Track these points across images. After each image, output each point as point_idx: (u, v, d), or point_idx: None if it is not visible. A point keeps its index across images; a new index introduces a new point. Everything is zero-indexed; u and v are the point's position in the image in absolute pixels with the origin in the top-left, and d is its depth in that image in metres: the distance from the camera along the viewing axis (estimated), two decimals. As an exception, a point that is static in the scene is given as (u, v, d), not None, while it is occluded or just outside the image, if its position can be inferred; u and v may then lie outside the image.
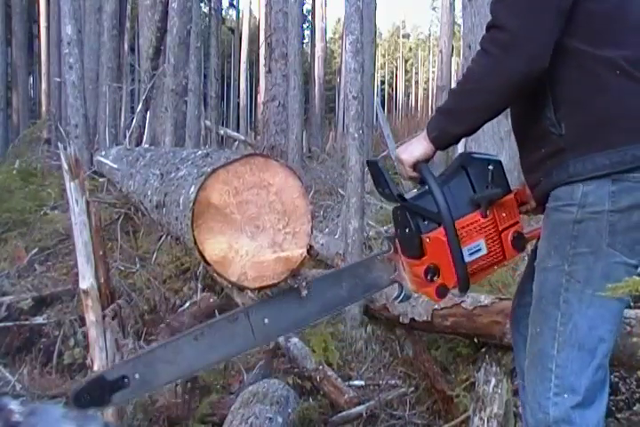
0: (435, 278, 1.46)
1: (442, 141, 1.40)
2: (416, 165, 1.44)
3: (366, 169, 3.08)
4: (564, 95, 1.30)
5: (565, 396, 1.31)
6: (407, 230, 1.48)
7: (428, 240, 1.44)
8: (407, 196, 1.49)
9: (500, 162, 1.50)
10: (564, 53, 1.27)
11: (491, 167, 1.48)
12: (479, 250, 1.46)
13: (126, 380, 1.38)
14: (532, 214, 1.62)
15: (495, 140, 5.59)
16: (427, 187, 1.46)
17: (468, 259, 1.44)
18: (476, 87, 1.32)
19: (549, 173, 1.35)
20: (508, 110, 1.49)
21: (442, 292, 1.48)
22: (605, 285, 1.30)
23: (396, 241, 1.55)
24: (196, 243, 1.35)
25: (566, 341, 1.32)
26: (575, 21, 1.27)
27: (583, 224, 1.29)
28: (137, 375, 1.38)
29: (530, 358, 1.40)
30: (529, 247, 1.60)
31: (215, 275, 1.40)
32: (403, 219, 1.49)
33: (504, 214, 1.49)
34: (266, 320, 1.48)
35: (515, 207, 1.52)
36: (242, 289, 1.43)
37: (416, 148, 1.44)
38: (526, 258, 1.94)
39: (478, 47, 1.33)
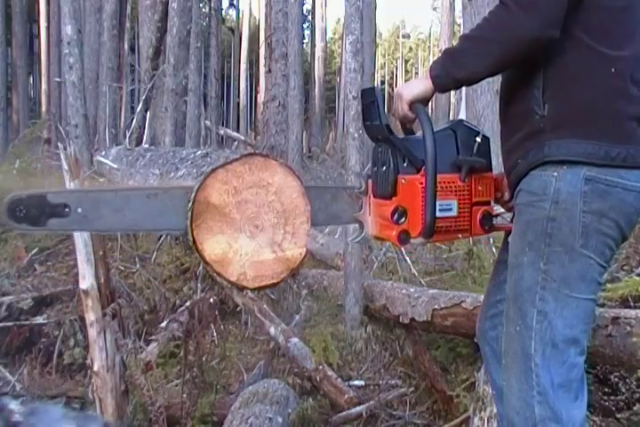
0: (400, 221, 1.44)
1: (441, 82, 1.39)
2: (413, 104, 1.42)
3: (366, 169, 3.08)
4: (555, 78, 1.32)
5: (546, 395, 1.32)
6: (384, 168, 1.46)
7: (403, 181, 1.43)
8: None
9: (488, 138, 1.51)
10: (567, 39, 1.29)
11: (478, 139, 1.48)
12: (450, 210, 1.45)
13: (67, 209, 1.33)
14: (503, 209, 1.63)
15: (495, 140, 5.57)
16: (414, 136, 1.45)
17: (437, 213, 1.42)
18: (486, 36, 1.33)
19: (527, 155, 1.35)
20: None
21: (403, 238, 1.44)
22: (582, 286, 1.31)
23: (369, 181, 1.54)
24: (195, 242, 1.35)
25: (542, 339, 1.32)
26: (584, 12, 1.29)
27: (557, 222, 1.30)
28: (79, 209, 1.34)
29: (510, 356, 1.39)
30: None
31: (214, 274, 1.39)
32: (383, 156, 1.47)
33: (480, 188, 1.49)
34: None
35: (491, 187, 1.52)
36: (241, 289, 1.42)
37: (416, 85, 1.43)
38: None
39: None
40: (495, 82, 6.40)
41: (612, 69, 1.28)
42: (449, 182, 1.45)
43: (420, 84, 1.42)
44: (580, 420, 1.34)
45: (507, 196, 1.55)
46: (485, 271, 3.78)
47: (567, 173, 1.29)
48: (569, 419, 1.32)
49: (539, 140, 1.33)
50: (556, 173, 1.30)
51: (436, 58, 1.44)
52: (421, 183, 1.40)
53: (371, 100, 1.45)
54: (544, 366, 1.32)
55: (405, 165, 1.44)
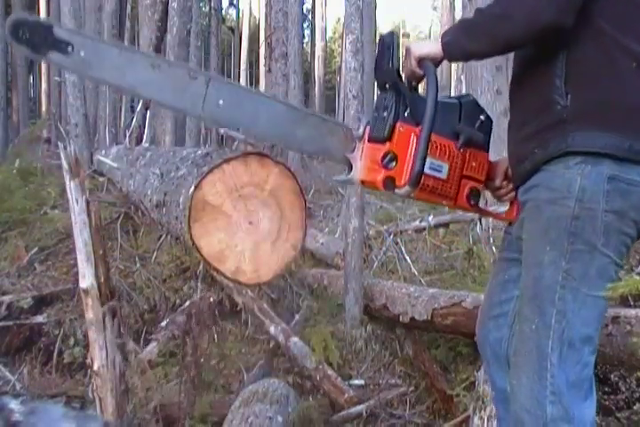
0: (390, 165, 1.45)
1: (450, 49, 1.40)
2: (422, 60, 1.42)
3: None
4: (578, 69, 1.32)
5: (560, 395, 1.31)
6: (385, 113, 1.47)
7: (400, 129, 1.44)
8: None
9: (491, 120, 1.52)
10: (590, 29, 1.29)
11: (482, 117, 1.50)
12: (439, 171, 1.46)
13: (70, 48, 1.33)
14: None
15: (494, 139, 5.56)
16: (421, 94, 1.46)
17: (426, 170, 1.43)
18: (501, 13, 1.34)
19: (546, 145, 1.34)
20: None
21: (388, 183, 1.45)
22: (599, 284, 1.31)
23: (367, 127, 1.54)
24: (192, 239, 1.37)
25: (559, 338, 1.32)
26: (610, 3, 1.29)
27: (580, 221, 1.29)
28: (82, 53, 1.34)
29: (523, 355, 1.39)
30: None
31: (212, 270, 1.41)
32: (387, 101, 1.48)
33: (474, 164, 1.50)
34: (220, 102, 1.44)
35: (484, 168, 1.53)
36: (238, 284, 1.44)
37: (427, 44, 1.44)
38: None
39: None
40: (495, 82, 6.39)
41: (634, 64, 1.28)
42: (444, 145, 1.46)
43: (430, 45, 1.43)
44: (590, 420, 1.33)
45: (497, 182, 1.55)
46: (485, 271, 3.77)
47: (592, 171, 1.28)
48: (580, 419, 1.31)
49: (561, 130, 1.32)
50: (580, 171, 1.29)
51: (449, 26, 1.46)
52: (417, 136, 1.41)
53: (387, 46, 1.45)
54: (560, 366, 1.31)
55: (407, 114, 1.45)
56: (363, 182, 1.53)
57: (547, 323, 1.33)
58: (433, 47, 1.42)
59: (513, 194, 1.58)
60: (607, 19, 1.29)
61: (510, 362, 1.45)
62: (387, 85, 1.48)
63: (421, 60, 1.42)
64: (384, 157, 1.45)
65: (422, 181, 1.42)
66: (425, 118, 1.39)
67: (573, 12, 1.26)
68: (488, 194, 1.66)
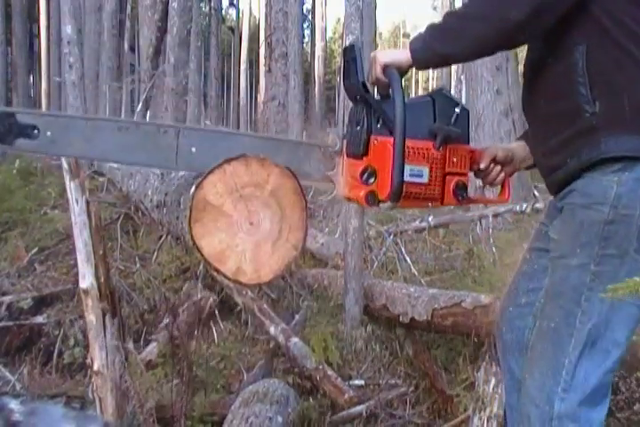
0: (370, 181, 1.43)
1: (420, 55, 1.37)
2: (387, 68, 1.39)
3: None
4: (602, 75, 1.29)
5: (573, 393, 1.30)
6: (359, 127, 1.45)
7: (375, 142, 1.42)
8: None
9: (467, 111, 1.50)
10: (601, 33, 1.27)
11: (457, 110, 1.46)
12: (420, 176, 1.43)
13: (36, 131, 1.32)
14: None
15: (495, 140, 5.60)
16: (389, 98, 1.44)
17: (406, 178, 1.40)
18: (472, 13, 1.32)
19: (579, 153, 1.31)
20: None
21: (371, 199, 1.44)
22: None
23: (344, 141, 1.53)
24: (193, 239, 1.38)
25: (583, 339, 1.31)
26: (613, 3, 1.27)
27: (614, 226, 1.28)
28: (48, 133, 1.34)
29: (539, 350, 1.38)
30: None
31: (212, 270, 1.41)
32: (359, 115, 1.46)
33: (455, 159, 1.48)
34: (193, 149, 1.46)
35: (467, 160, 1.50)
36: (238, 284, 1.44)
37: (394, 52, 1.42)
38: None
39: None
40: (495, 82, 6.38)
41: None
42: (422, 148, 1.43)
43: (398, 53, 1.40)
44: (598, 424, 1.33)
45: (483, 167, 1.53)
46: (485, 271, 3.78)
47: (630, 178, 1.27)
48: (587, 420, 1.31)
49: (592, 136, 1.29)
50: (616, 178, 1.27)
51: (417, 33, 1.41)
52: (392, 145, 1.38)
53: (351, 57, 1.44)
54: (577, 366, 1.31)
55: (379, 126, 1.43)
56: (347, 198, 1.53)
57: (571, 323, 1.31)
58: (399, 55, 1.39)
59: (502, 176, 1.58)
60: (619, 19, 1.27)
61: (526, 356, 1.45)
62: (357, 98, 1.46)
63: (386, 68, 1.39)
64: (362, 172, 1.44)
65: (404, 189, 1.40)
66: (395, 129, 1.37)
67: (549, 12, 1.24)
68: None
